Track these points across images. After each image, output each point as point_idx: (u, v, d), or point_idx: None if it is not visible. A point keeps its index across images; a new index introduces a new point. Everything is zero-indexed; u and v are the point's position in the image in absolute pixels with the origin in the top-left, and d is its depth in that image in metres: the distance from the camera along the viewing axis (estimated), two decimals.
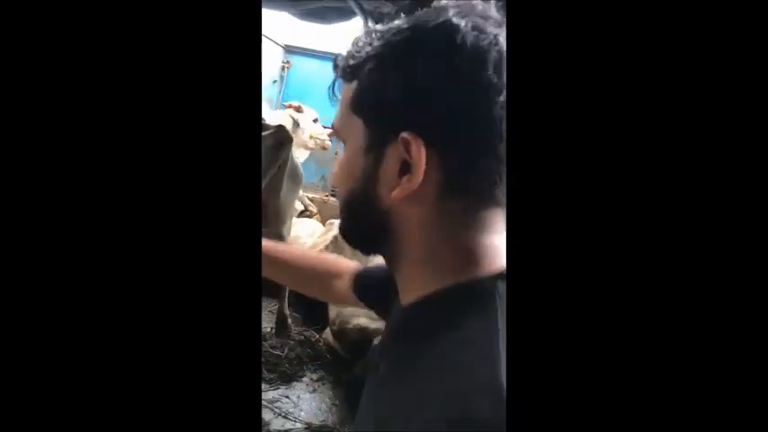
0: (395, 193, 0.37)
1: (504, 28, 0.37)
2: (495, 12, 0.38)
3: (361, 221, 0.42)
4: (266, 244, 0.78)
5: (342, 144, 0.45)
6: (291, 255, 0.82)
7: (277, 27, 3.38)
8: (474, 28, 0.36)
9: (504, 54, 0.36)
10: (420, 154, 0.35)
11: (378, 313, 0.66)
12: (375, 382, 0.44)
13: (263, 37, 3.35)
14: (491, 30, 0.36)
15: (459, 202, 0.38)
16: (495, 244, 0.39)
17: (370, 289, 0.65)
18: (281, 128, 1.66)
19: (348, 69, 0.40)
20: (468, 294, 0.37)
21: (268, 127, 1.66)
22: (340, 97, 0.43)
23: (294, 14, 2.78)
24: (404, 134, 0.36)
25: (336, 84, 0.44)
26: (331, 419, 1.69)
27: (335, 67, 0.43)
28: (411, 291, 0.41)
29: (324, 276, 0.75)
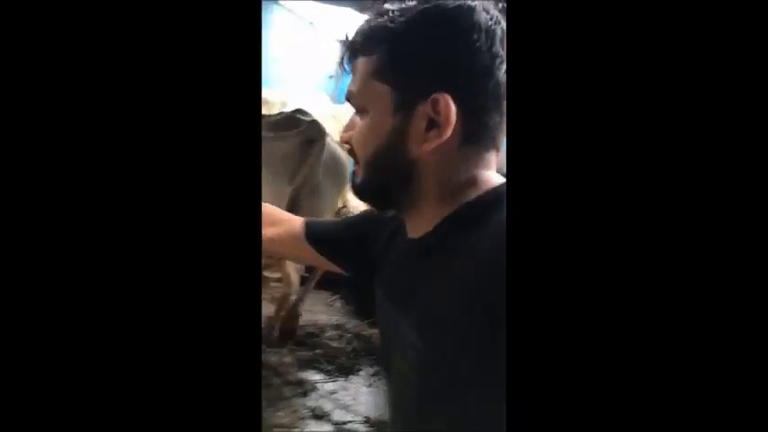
0: (425, 146, 0.44)
1: (499, 12, 0.45)
2: None
3: (387, 175, 0.47)
4: None
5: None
6: None
7: (334, 22, 3.41)
8: (483, 9, 0.44)
9: (504, 31, 0.44)
10: (450, 111, 0.42)
11: (330, 260, 0.70)
12: (400, 306, 0.50)
13: (317, 30, 3.38)
14: (493, 12, 0.44)
15: (471, 148, 0.46)
16: (491, 174, 0.47)
17: (325, 237, 0.69)
18: (313, 123, 1.50)
19: (368, 44, 0.46)
20: (476, 208, 0.45)
21: (301, 123, 1.50)
22: (350, 69, 0.49)
23: (355, 9, 2.80)
24: (435, 95, 0.42)
25: (346, 58, 0.50)
26: (388, 414, 1.69)
27: (349, 43, 0.48)
28: (424, 223, 0.48)
29: (266, 223, 0.74)
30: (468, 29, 0.43)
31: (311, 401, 1.64)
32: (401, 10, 0.45)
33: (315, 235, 0.67)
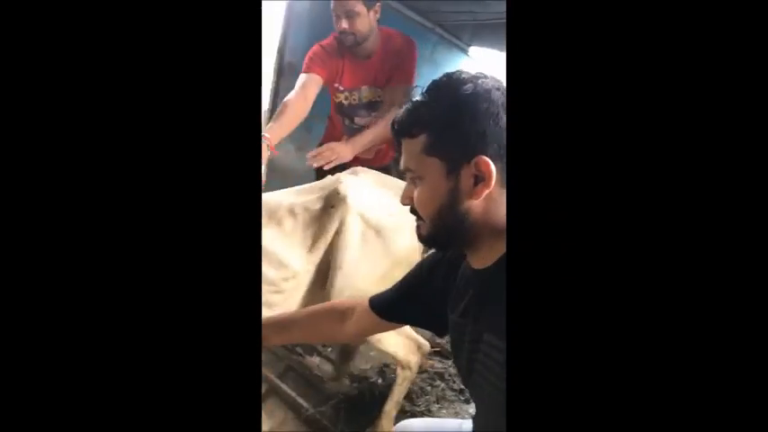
0: (476, 196, 0.57)
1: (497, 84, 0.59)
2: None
3: (449, 225, 0.60)
4: (268, 316, 0.89)
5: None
6: (298, 315, 0.90)
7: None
8: (495, 87, 0.58)
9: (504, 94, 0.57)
10: (490, 167, 0.56)
11: (411, 324, 0.79)
12: (477, 334, 0.61)
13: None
14: (503, 86, 0.58)
15: (504, 190, 0.58)
16: None
17: (396, 307, 0.79)
18: (333, 192, 1.21)
19: (412, 129, 0.60)
20: None
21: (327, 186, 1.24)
22: (403, 148, 0.63)
23: None
24: (476, 158, 0.57)
25: (395, 142, 0.64)
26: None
27: (397, 129, 0.63)
28: (486, 256, 0.61)
29: (337, 320, 0.83)
30: (487, 104, 0.56)
31: (471, 409, 1.74)
32: (436, 100, 0.59)
33: (384, 311, 0.79)
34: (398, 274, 1.09)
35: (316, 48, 1.63)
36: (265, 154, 1.27)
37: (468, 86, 0.57)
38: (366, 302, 0.82)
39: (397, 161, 1.99)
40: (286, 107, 1.44)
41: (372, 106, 1.76)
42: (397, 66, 1.65)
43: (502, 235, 0.58)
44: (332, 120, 1.86)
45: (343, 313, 0.85)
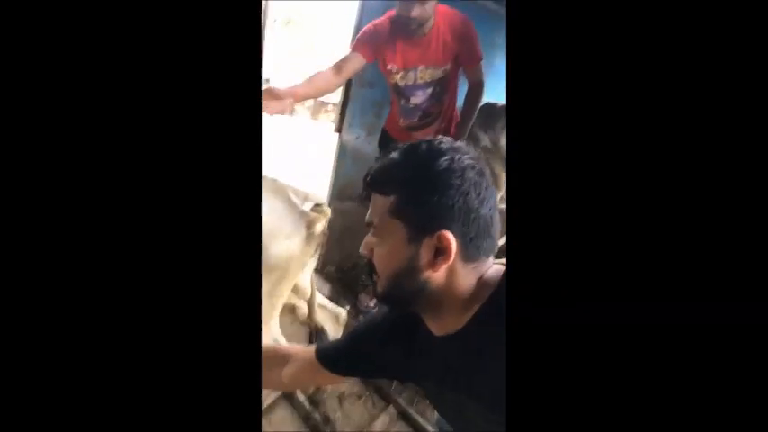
0: (435, 268, 0.57)
1: (482, 161, 0.59)
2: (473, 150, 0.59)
3: (405, 290, 0.60)
4: None
5: None
6: None
7: None
8: (470, 166, 0.57)
9: (486, 176, 0.58)
10: (451, 243, 0.55)
11: (364, 377, 0.75)
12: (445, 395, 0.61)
13: None
14: (478, 165, 0.57)
15: (470, 264, 0.58)
16: (493, 270, 0.60)
17: (346, 362, 0.77)
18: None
19: (384, 187, 0.60)
20: (492, 307, 0.57)
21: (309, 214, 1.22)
22: (372, 201, 0.62)
23: None
24: (440, 232, 0.56)
25: (364, 193, 0.63)
26: None
27: (367, 183, 0.62)
28: (448, 324, 0.60)
29: (277, 365, 0.80)
30: (459, 182, 0.55)
31: None
32: (405, 164, 0.58)
33: (331, 362, 0.76)
34: (272, 281, 1.16)
35: (368, 27, 1.63)
36: (285, 107, 1.29)
37: (445, 161, 0.57)
38: (311, 352, 0.79)
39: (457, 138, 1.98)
40: (316, 76, 1.47)
41: (430, 86, 1.77)
42: (466, 48, 1.67)
43: (464, 306, 0.59)
44: (392, 102, 1.91)
45: (282, 358, 0.83)
